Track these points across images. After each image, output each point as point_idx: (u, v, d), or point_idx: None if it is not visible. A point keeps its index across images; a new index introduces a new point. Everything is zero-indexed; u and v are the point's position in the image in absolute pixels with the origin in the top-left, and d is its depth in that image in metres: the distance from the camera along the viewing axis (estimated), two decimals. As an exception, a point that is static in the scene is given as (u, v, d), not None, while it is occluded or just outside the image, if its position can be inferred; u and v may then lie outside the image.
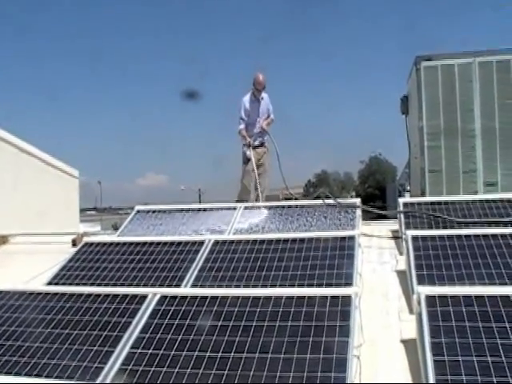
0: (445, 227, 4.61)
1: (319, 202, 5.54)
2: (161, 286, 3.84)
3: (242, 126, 7.54)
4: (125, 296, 3.36)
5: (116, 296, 3.38)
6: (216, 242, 4.34)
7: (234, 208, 5.67)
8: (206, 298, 3.19)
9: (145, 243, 4.54)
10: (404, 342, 3.00)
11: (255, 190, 7.39)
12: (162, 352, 2.81)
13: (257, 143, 7.63)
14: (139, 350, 2.86)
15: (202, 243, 4.35)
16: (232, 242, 4.33)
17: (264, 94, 7.67)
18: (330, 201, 5.47)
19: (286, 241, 4.20)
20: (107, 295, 3.41)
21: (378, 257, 4.45)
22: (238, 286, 3.67)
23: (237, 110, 7.64)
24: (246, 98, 7.58)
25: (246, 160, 7.53)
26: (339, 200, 5.51)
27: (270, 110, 7.76)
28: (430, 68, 6.69)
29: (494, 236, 3.88)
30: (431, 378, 2.39)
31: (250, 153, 7.46)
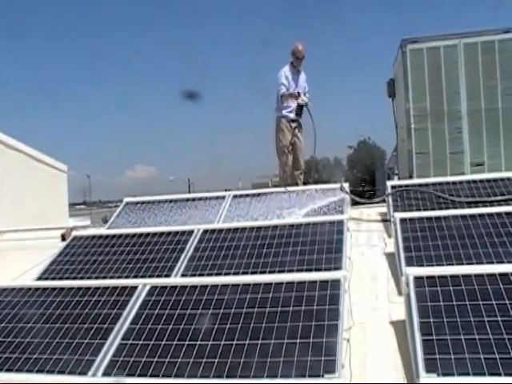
0: (433, 209, 4.63)
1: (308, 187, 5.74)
2: (151, 276, 3.84)
3: (285, 90, 7.20)
4: (115, 288, 3.35)
5: (106, 288, 3.37)
6: (205, 231, 4.33)
7: (223, 197, 5.67)
8: (195, 286, 3.19)
9: (134, 235, 4.52)
10: (393, 323, 3.02)
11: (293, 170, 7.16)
12: (152, 342, 2.81)
13: (293, 116, 7.20)
14: (130, 341, 2.86)
15: (191, 233, 4.34)
16: (221, 230, 4.33)
17: (302, 72, 7.46)
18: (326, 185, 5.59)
19: (274, 227, 4.21)
20: (97, 288, 3.40)
21: (367, 240, 4.48)
22: (227, 274, 3.68)
23: (275, 81, 7.34)
24: (286, 68, 7.34)
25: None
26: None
27: (306, 88, 7.45)
28: (416, 51, 6.68)
29: (481, 216, 3.91)
30: (420, 358, 2.41)
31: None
